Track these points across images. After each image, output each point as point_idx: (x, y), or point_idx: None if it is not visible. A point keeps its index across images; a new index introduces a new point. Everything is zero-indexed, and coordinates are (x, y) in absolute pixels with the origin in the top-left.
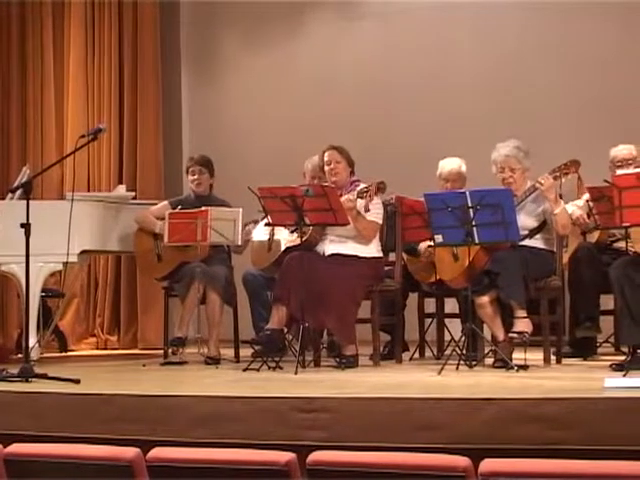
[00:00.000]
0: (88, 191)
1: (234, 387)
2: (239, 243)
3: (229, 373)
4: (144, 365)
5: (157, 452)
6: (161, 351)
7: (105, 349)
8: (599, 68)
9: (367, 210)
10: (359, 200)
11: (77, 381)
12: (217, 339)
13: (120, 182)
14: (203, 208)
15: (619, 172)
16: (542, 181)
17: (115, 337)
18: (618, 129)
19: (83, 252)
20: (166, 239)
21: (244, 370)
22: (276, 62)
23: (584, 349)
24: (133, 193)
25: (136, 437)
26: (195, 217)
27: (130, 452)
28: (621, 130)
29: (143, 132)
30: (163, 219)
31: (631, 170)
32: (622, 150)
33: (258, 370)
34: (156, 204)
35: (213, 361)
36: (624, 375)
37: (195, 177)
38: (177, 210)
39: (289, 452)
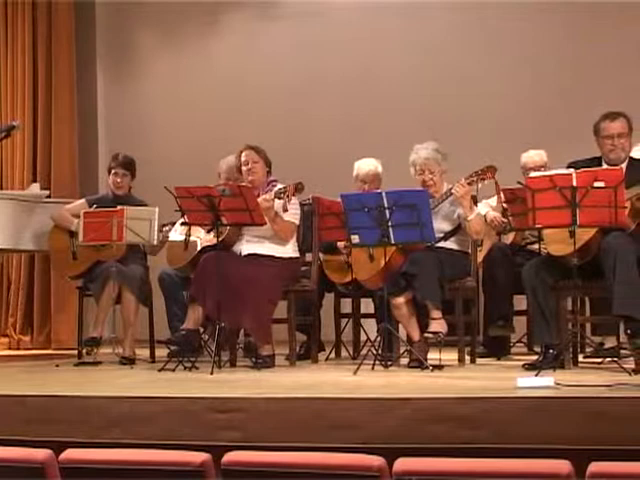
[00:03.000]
0: (0, 189)
1: (149, 387)
2: (155, 243)
3: (144, 373)
4: (57, 365)
5: (70, 453)
6: (75, 351)
7: (18, 349)
8: (525, 70)
9: (285, 210)
10: (277, 200)
11: None
12: (132, 339)
13: (34, 180)
14: (119, 207)
15: (532, 174)
16: (457, 188)
17: (28, 337)
18: (536, 132)
19: None
20: (81, 238)
21: (159, 370)
22: (192, 61)
23: (498, 349)
24: (47, 192)
25: (50, 438)
26: (110, 216)
27: (42, 453)
28: (535, 133)
29: (57, 130)
30: (79, 217)
31: (544, 172)
32: (533, 156)
33: (174, 370)
34: (70, 203)
35: (128, 361)
36: (536, 374)
37: (118, 180)
38: (92, 209)
39: (204, 452)
